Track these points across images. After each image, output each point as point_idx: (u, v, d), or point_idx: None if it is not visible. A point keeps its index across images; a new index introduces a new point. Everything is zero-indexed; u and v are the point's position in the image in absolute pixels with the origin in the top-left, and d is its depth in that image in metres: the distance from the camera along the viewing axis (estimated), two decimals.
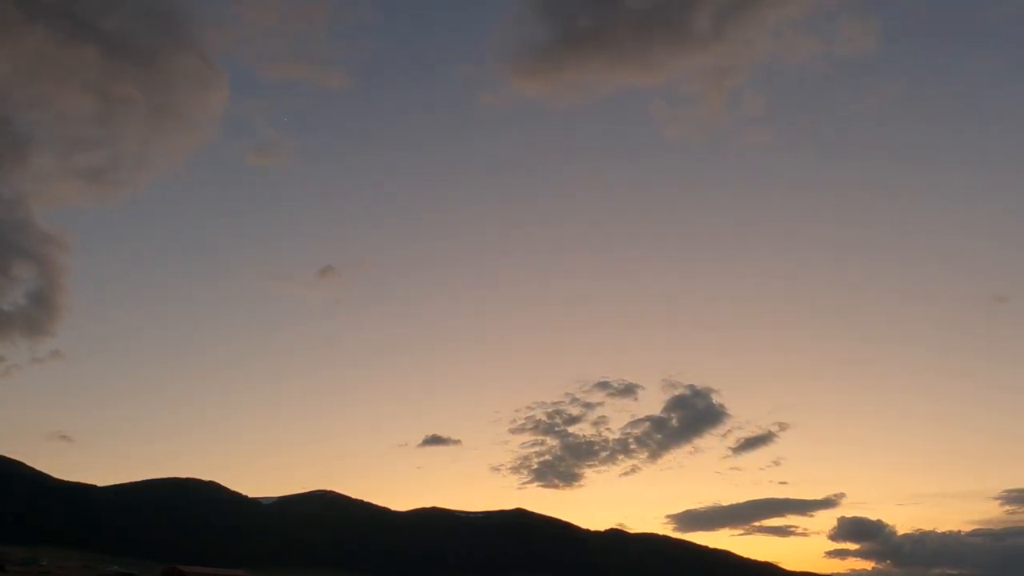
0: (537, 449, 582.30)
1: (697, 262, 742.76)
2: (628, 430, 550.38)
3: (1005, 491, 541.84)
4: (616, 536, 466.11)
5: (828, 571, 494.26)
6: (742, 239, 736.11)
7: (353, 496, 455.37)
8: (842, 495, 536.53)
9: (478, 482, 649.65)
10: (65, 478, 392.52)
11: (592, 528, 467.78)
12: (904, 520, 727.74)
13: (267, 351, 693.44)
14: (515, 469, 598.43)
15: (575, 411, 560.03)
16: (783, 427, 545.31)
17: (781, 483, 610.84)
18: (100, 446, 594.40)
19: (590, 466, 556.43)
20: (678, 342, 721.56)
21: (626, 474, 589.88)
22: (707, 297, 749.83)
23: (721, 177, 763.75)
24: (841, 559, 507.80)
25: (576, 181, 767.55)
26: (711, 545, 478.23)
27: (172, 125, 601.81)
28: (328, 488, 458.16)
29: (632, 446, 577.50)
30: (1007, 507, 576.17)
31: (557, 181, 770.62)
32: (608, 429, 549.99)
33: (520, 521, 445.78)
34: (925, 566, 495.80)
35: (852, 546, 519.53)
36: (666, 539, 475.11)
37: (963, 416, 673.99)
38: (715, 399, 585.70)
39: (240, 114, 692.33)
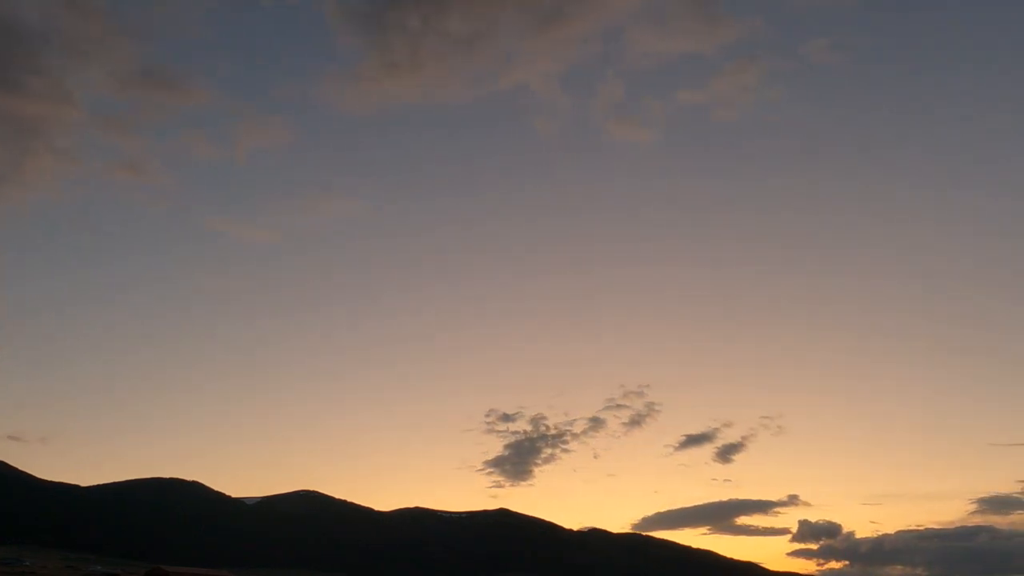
0: (483, 448, 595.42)
1: (623, 258, 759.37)
2: (566, 427, 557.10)
3: (975, 496, 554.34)
4: (598, 535, 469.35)
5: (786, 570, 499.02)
6: (663, 236, 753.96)
7: (336, 496, 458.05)
8: (796, 496, 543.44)
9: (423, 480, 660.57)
10: (48, 478, 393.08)
11: (574, 528, 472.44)
12: (858, 519, 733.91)
13: (250, 352, 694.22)
14: (459, 468, 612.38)
15: (511, 410, 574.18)
16: (728, 425, 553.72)
17: (727, 480, 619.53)
18: (84, 446, 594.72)
19: (536, 465, 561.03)
20: (614, 343, 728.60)
21: (574, 471, 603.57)
22: (641, 297, 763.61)
23: (606, 175, 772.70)
24: (806, 559, 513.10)
25: (484, 196, 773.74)
26: (690, 545, 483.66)
27: (33, 144, 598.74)
28: (311, 488, 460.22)
29: (573, 445, 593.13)
30: (970, 507, 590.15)
31: (468, 193, 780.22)
32: (545, 426, 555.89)
33: (502, 520, 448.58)
34: (880, 565, 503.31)
35: (811, 546, 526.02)
36: (647, 539, 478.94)
37: (918, 418, 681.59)
38: (654, 398, 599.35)
39: (97, 131, 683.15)
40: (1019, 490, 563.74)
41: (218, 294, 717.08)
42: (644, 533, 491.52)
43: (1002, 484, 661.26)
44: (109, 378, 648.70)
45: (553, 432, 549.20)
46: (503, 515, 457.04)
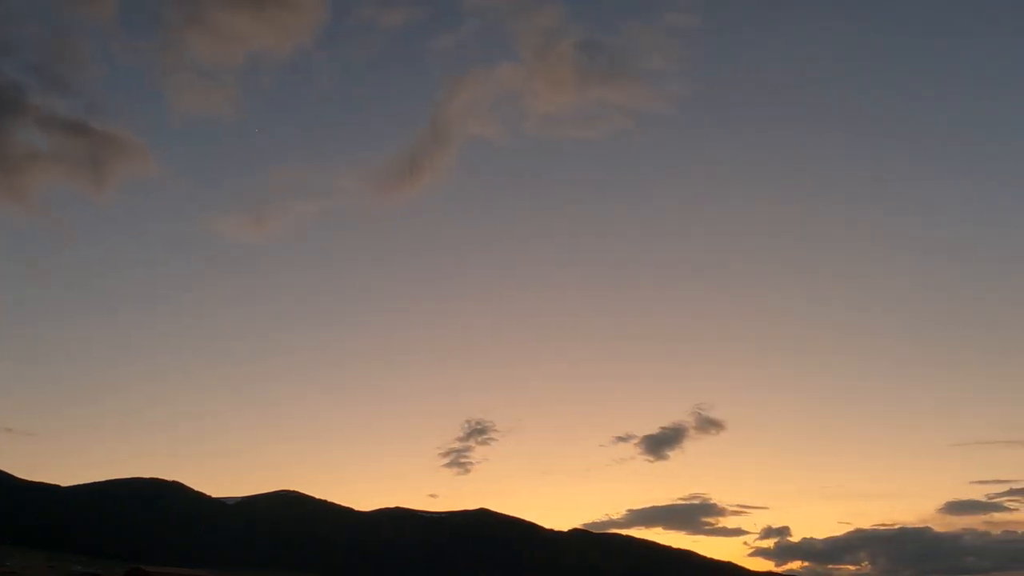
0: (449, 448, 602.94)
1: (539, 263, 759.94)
2: (490, 425, 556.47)
3: (928, 496, 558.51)
4: (580, 536, 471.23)
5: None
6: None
7: (316, 496, 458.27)
8: (746, 495, 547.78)
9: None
10: (29, 478, 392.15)
11: (556, 528, 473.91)
12: (813, 519, 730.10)
13: (231, 353, 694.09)
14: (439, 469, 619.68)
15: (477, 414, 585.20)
16: (671, 422, 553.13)
17: (670, 480, 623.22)
18: (64, 446, 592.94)
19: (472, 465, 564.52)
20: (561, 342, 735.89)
21: (513, 471, 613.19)
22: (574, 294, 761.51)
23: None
24: (764, 559, 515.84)
25: None
26: (670, 545, 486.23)
27: None
28: (291, 488, 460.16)
29: (510, 444, 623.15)
30: (924, 507, 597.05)
31: None
32: (481, 425, 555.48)
33: (483, 520, 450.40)
34: (835, 564, 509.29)
35: (767, 544, 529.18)
36: (629, 539, 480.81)
37: (873, 416, 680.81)
38: (593, 397, 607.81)
39: None
40: (978, 491, 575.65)
41: (198, 295, 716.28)
42: (631, 534, 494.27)
43: (959, 484, 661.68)
44: (89, 378, 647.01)
45: (481, 428, 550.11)
46: (483, 515, 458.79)
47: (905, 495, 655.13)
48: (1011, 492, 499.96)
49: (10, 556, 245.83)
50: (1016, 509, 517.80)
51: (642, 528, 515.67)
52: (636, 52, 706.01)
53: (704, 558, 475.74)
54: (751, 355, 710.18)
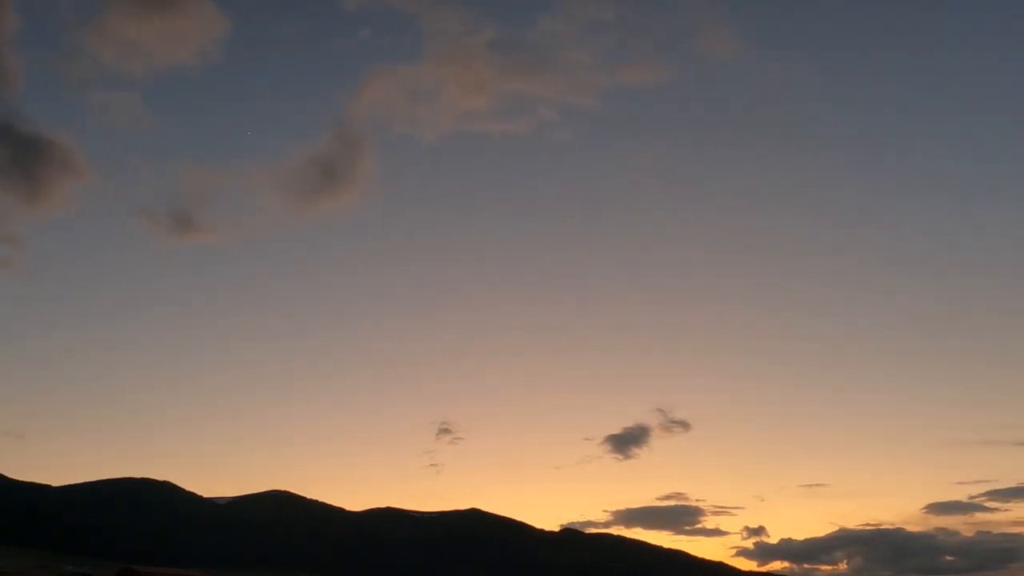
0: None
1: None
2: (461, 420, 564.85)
3: (907, 496, 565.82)
4: (571, 536, 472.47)
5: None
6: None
7: (307, 496, 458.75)
8: (722, 495, 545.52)
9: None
10: (20, 478, 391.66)
11: (547, 528, 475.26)
12: (792, 519, 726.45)
13: (222, 353, 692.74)
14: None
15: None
16: (640, 424, 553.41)
17: (646, 480, 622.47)
18: (55, 446, 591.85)
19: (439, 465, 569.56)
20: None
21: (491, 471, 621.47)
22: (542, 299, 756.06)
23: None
24: (747, 559, 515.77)
25: None
26: (661, 545, 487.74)
27: None
28: (282, 488, 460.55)
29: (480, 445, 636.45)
30: (903, 508, 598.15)
31: None
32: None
33: (474, 520, 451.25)
34: (813, 564, 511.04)
35: (748, 544, 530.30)
36: (620, 539, 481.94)
37: (852, 415, 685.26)
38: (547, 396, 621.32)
39: None
40: (960, 492, 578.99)
41: (188, 296, 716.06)
42: (621, 534, 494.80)
43: (942, 485, 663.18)
44: (80, 378, 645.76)
45: (447, 428, 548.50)
46: (474, 514, 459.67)
47: (887, 496, 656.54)
48: (991, 493, 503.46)
49: (2, 556, 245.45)
50: (996, 509, 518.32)
51: (622, 528, 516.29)
52: (554, 45, 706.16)
53: (695, 558, 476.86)
54: (722, 355, 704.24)
